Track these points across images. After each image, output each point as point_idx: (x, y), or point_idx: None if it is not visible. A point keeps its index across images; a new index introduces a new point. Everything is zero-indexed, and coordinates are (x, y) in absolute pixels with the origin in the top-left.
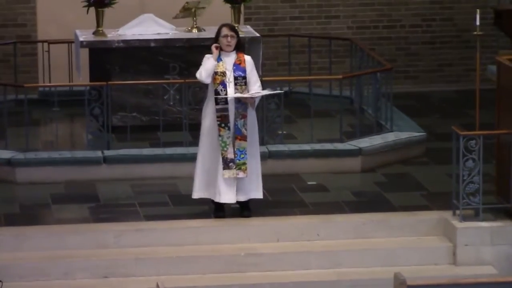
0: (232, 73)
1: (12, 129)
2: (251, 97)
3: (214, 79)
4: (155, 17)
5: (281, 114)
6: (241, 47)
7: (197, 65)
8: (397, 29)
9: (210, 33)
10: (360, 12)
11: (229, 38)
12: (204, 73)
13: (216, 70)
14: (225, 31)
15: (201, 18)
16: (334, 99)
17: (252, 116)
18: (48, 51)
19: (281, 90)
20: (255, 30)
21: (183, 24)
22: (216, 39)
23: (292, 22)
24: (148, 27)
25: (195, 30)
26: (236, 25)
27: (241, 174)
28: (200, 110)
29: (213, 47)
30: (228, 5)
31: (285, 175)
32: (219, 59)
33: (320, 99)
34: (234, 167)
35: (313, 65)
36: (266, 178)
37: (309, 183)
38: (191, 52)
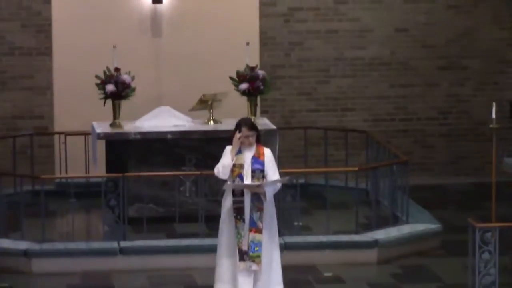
0: (250, 166)
1: (29, 220)
2: (259, 186)
3: (232, 171)
4: (172, 109)
5: (297, 205)
6: (260, 140)
7: (214, 157)
8: (414, 122)
9: (226, 125)
10: (377, 105)
11: (250, 138)
12: (221, 169)
13: (234, 163)
14: (245, 132)
15: (217, 110)
16: (350, 191)
17: (270, 209)
18: (65, 143)
19: (295, 181)
20: (272, 122)
21: (200, 116)
22: (234, 133)
23: (308, 114)
24: (165, 119)
25: (211, 122)
26: (252, 117)
27: (254, 267)
28: (216, 202)
29: (235, 139)
30: (245, 98)
31: (302, 266)
32: (238, 151)
33: (336, 191)
34: (248, 259)
35: (330, 157)
36: (283, 270)
37: (325, 274)
38: (207, 144)
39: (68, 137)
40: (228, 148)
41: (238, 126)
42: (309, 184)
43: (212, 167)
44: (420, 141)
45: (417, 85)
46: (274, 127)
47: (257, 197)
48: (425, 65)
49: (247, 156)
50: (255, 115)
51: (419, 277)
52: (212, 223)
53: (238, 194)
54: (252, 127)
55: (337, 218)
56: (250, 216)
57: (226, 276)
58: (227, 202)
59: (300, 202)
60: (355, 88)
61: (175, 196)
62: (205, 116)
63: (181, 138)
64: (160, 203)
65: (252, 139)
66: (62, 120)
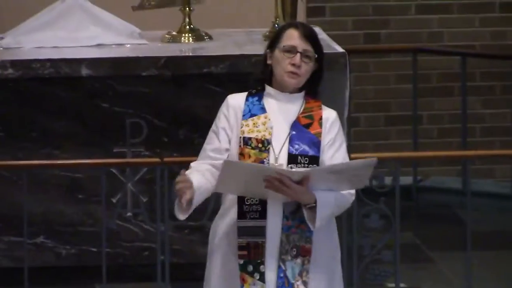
0: (288, 143)
1: None
2: (302, 182)
3: (241, 155)
4: (92, 5)
5: (396, 240)
6: (316, 85)
7: (192, 123)
8: None
9: (223, 45)
10: None
11: (297, 59)
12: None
13: (249, 136)
14: (294, 37)
15: (201, 12)
16: None
17: (329, 248)
18: None
19: (391, 178)
20: (332, 37)
21: (160, 24)
22: (265, 58)
23: (425, 19)
24: (76, 32)
25: (187, 38)
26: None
27: None
28: (198, 232)
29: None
30: None
31: None
32: (260, 109)
33: (492, 204)
34: None
35: (478, 120)
36: None
37: None
38: (177, 88)
39: None
40: (231, 99)
41: (281, 31)
42: (425, 189)
43: (187, 145)
44: None
45: None
46: (339, 48)
47: (298, 221)
48: None
49: (282, 117)
50: (295, 19)
51: None
52: (185, 284)
53: (251, 212)
54: (312, 36)
55: (494, 271)
56: (280, 268)
57: None
58: (224, 231)
59: (400, 231)
60: None
61: (100, 217)
62: (173, 24)
63: (114, 76)
64: (65, 236)
65: (305, 65)
66: None
